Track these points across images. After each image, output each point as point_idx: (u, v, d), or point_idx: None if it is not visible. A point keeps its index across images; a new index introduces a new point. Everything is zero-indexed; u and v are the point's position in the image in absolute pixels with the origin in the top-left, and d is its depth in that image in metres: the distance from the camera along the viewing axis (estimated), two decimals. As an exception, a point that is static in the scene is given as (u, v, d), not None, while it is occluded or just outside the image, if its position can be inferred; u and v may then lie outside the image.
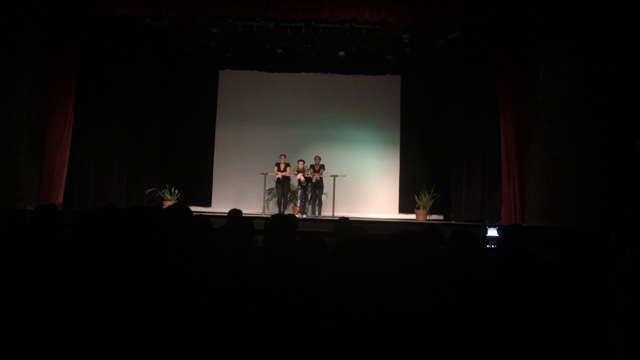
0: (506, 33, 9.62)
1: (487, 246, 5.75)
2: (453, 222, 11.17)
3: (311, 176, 11.52)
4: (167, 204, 10.95)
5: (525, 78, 9.50)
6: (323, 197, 11.74)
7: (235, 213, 5.05)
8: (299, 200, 11.78)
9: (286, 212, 10.92)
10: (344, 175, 11.71)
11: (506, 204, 9.61)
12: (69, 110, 9.76)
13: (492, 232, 6.41)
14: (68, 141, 9.83)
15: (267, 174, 11.59)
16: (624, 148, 8.54)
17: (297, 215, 10.57)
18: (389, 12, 9.51)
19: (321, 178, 11.58)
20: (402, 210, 12.55)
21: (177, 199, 11.42)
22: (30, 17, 9.13)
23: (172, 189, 11.65)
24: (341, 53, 11.77)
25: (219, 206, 12.01)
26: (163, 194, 11.66)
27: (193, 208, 11.39)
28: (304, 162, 11.62)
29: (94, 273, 1.54)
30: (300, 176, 11.53)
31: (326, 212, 11.64)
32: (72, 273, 1.93)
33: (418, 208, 11.69)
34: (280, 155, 11.63)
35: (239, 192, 12.44)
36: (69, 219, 6.36)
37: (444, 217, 12.04)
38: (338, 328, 1.38)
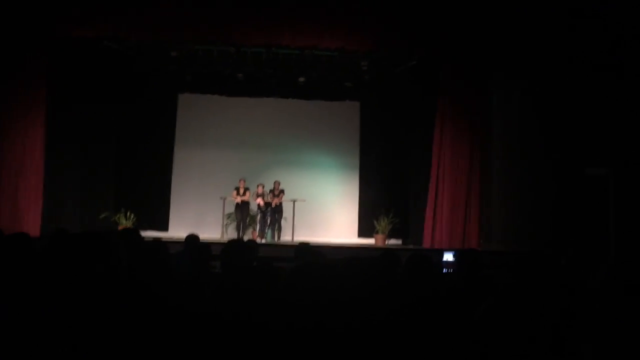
0: (461, 61, 9.93)
1: (444, 270, 5.81)
2: (411, 246, 11.27)
3: (270, 201, 11.49)
4: (122, 228, 10.67)
5: (480, 105, 9.81)
6: (282, 221, 11.69)
7: (192, 238, 4.96)
8: (258, 225, 11.70)
9: (245, 237, 10.82)
10: (304, 200, 11.71)
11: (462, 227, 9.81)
12: (37, 132, 9.67)
13: (448, 257, 6.48)
14: (41, 163, 9.65)
15: (226, 198, 11.48)
16: (574, 174, 8.86)
17: (256, 240, 10.48)
18: (348, 40, 9.70)
19: (281, 203, 11.55)
20: (361, 234, 12.61)
21: (133, 223, 11.14)
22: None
23: (128, 214, 11.37)
24: (301, 79, 11.89)
25: (177, 231, 11.78)
26: (118, 218, 11.36)
27: (150, 233, 11.20)
28: (263, 186, 11.58)
29: (40, 301, 1.48)
30: (259, 200, 11.47)
31: (286, 237, 11.58)
32: (17, 301, 1.85)
33: (377, 232, 11.77)
34: (240, 180, 11.56)
35: (198, 216, 12.26)
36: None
37: (402, 242, 12.15)
38: (294, 354, 1.37)
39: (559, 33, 8.86)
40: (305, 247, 4.58)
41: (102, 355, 1.32)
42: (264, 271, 1.77)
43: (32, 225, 9.39)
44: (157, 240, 3.09)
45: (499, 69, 9.49)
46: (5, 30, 9.16)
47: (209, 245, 3.70)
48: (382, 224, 11.70)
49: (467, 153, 9.89)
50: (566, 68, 8.85)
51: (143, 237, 2.91)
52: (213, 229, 11.69)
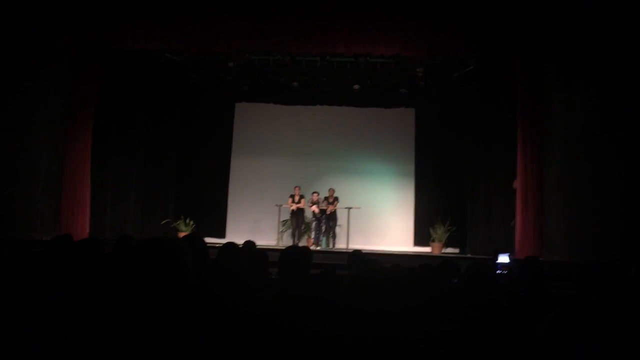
0: (521, 65, 9.66)
1: (498, 271, 5.68)
2: (469, 255, 11.03)
3: (325, 208, 11.52)
4: (182, 235, 10.98)
5: (540, 111, 9.49)
6: (337, 229, 11.71)
7: (249, 245, 5.05)
8: (313, 232, 11.76)
9: (300, 244, 10.89)
10: (359, 207, 11.68)
11: (522, 237, 9.47)
12: (87, 143, 9.88)
13: (503, 259, 6.34)
14: (88, 173, 9.92)
15: (281, 205, 11.61)
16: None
17: (311, 247, 10.53)
18: (404, 47, 9.62)
19: (335, 210, 11.57)
20: (417, 243, 12.46)
21: (192, 230, 11.46)
22: (54, 50, 9.37)
23: (187, 220, 11.71)
24: (356, 86, 11.89)
25: (233, 237, 11.87)
26: (178, 225, 11.71)
27: (207, 239, 11.43)
28: (318, 194, 11.64)
29: (110, 304, 1.55)
30: (314, 208, 11.53)
31: (340, 244, 11.59)
32: (86, 304, 1.94)
33: (433, 241, 11.59)
34: (295, 187, 11.67)
35: (254, 223, 12.46)
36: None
37: (460, 251, 11.91)
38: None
39: (622, 32, 8.47)
40: (358, 254, 4.59)
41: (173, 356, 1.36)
42: (325, 279, 1.78)
43: (81, 229, 9.59)
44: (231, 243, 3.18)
45: (560, 73, 9.14)
46: (71, 44, 9.56)
47: (265, 251, 3.76)
48: (439, 232, 11.52)
49: (539, 162, 9.48)
50: (632, 71, 8.45)
51: (205, 243, 2.99)
52: (269, 236, 11.84)
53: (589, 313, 1.88)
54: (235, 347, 1.48)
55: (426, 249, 11.84)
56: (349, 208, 11.55)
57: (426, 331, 1.48)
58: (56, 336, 1.47)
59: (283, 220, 11.98)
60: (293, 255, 2.83)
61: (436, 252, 11.26)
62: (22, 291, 1.95)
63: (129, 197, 11.40)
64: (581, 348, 1.72)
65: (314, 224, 11.74)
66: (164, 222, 11.75)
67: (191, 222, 11.71)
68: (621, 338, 1.75)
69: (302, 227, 11.93)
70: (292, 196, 11.62)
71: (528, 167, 9.45)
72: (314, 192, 11.66)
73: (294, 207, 11.56)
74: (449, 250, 11.77)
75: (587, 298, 2.40)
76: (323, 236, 11.61)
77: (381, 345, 1.35)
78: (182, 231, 11.42)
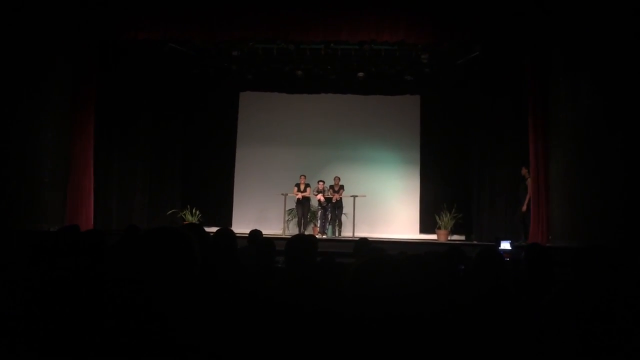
0: (526, 51, 9.59)
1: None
2: (475, 242, 11.04)
3: (331, 196, 11.53)
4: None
5: (546, 96, 9.43)
6: (343, 217, 11.72)
7: (256, 233, 5.07)
8: (319, 221, 11.78)
9: (306, 233, 10.92)
10: (364, 196, 11.69)
11: (535, 224, 9.45)
12: (90, 135, 9.88)
13: (505, 246, 6.35)
14: (91, 164, 9.91)
15: (287, 194, 11.62)
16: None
17: (317, 236, 10.56)
18: (408, 33, 9.54)
19: (341, 198, 11.57)
20: (423, 230, 12.47)
21: (198, 219, 11.50)
22: (59, 42, 9.35)
23: (193, 210, 11.75)
24: (360, 74, 11.84)
25: (240, 227, 12.03)
26: (184, 215, 11.75)
27: (213, 229, 11.49)
28: (323, 182, 11.64)
29: (120, 294, 1.56)
30: (320, 197, 11.54)
31: (346, 233, 11.60)
32: (96, 293, 1.95)
33: (439, 228, 11.60)
34: (300, 176, 11.67)
35: (259, 212, 12.49)
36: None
37: (466, 238, 11.92)
38: (360, 349, 1.37)
39: (629, 18, 8.36)
40: (364, 242, 4.60)
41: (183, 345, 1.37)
42: (329, 266, 1.78)
43: (86, 221, 9.58)
44: (226, 229, 3.19)
45: (566, 58, 9.06)
46: (75, 35, 9.54)
47: (272, 240, 3.76)
48: (445, 219, 11.52)
49: (545, 148, 9.45)
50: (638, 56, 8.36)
51: (208, 233, 3.01)
52: (274, 225, 11.86)
53: (583, 297, 1.87)
54: (243, 330, 1.49)
55: (432, 237, 11.85)
56: (355, 196, 11.55)
57: (431, 316, 1.49)
58: (63, 325, 1.48)
59: (289, 209, 12.00)
60: (299, 244, 2.83)
61: (442, 240, 11.28)
62: (30, 280, 1.96)
63: (136, 188, 11.46)
64: (575, 331, 1.71)
65: (319, 212, 11.75)
66: (170, 212, 11.81)
67: (197, 212, 11.75)
68: (613, 322, 1.75)
69: (308, 216, 11.95)
70: (298, 185, 11.63)
71: (540, 157, 9.40)
72: (319, 181, 11.67)
73: (300, 195, 11.57)
74: (455, 237, 11.78)
75: (581, 282, 2.39)
76: (329, 225, 11.63)
77: (388, 329, 1.36)
78: (188, 221, 11.47)
